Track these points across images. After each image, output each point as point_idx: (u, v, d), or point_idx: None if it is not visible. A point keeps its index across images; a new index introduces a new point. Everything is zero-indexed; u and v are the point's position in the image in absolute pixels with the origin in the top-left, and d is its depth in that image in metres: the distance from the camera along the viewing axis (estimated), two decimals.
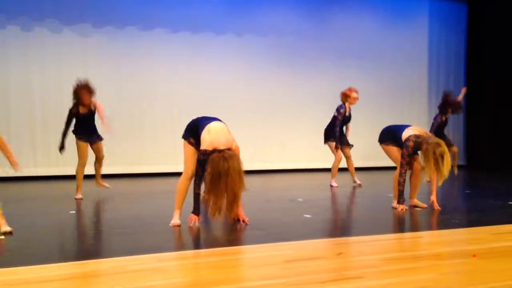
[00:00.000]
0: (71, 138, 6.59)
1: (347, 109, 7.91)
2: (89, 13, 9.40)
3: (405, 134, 5.62)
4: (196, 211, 4.70)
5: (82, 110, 6.52)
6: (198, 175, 4.59)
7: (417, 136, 5.52)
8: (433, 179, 5.60)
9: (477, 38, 11.86)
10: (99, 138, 6.73)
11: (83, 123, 6.57)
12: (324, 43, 10.94)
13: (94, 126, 6.70)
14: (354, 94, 7.84)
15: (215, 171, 4.29)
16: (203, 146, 4.54)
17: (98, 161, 6.84)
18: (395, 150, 5.80)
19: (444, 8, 12.02)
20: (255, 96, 10.44)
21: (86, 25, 9.40)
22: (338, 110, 7.86)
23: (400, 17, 11.64)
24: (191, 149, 4.77)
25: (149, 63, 9.77)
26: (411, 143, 5.53)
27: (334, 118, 7.88)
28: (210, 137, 4.52)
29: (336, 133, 7.81)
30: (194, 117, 4.95)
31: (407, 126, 5.77)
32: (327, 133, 8.01)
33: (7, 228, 4.36)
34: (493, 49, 11.50)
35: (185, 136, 4.85)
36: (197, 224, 4.67)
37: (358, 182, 8.08)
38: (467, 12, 12.13)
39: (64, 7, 9.24)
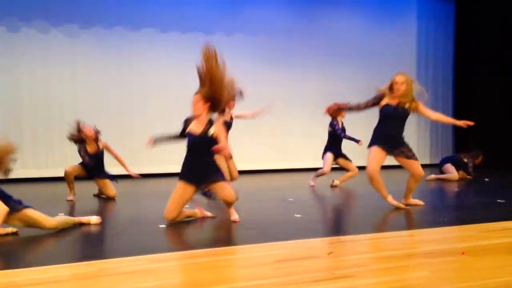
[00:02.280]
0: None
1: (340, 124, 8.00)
2: (77, 14, 9.35)
3: None
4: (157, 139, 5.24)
5: (89, 148, 6.61)
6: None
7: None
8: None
9: (465, 37, 11.95)
10: (105, 175, 6.74)
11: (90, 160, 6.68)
12: (314, 43, 10.96)
13: (101, 164, 6.75)
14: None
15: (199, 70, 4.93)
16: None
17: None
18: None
19: (432, 7, 12.10)
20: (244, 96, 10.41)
21: (73, 26, 9.35)
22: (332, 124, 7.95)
23: (388, 16, 11.69)
24: None
25: (138, 63, 9.74)
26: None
27: (333, 131, 7.91)
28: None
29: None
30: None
31: None
32: (325, 148, 8.04)
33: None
34: (481, 48, 11.59)
35: None
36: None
37: (337, 183, 8.04)
38: (454, 11, 12.23)
39: (51, 8, 9.18)
